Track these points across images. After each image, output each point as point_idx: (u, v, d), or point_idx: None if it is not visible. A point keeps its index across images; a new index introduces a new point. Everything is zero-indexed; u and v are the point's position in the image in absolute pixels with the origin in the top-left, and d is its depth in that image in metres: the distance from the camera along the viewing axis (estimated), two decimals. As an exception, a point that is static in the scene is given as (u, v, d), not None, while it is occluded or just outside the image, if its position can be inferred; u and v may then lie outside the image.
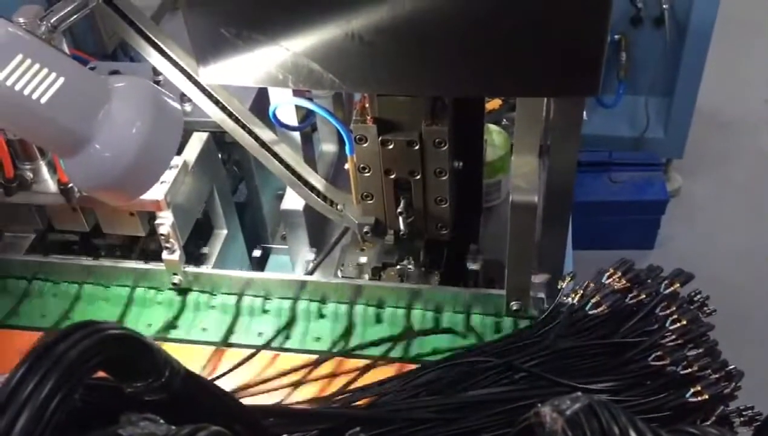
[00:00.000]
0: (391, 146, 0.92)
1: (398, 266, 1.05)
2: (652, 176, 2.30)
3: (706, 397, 0.81)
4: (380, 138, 0.91)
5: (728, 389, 0.83)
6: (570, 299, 0.92)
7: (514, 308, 0.97)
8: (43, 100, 0.68)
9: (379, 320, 1.01)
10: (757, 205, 2.53)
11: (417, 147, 0.91)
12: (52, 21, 0.76)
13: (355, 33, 0.73)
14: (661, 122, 2.40)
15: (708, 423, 0.81)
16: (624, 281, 0.90)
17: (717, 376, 0.83)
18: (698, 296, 0.90)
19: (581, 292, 0.91)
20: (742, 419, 0.83)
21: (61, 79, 0.69)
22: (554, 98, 0.85)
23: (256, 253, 1.24)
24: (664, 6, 2.17)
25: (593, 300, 0.89)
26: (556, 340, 0.89)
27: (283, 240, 1.21)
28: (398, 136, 0.91)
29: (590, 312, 0.89)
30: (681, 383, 0.83)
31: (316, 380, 0.93)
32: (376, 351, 0.97)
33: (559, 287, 0.95)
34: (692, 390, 0.81)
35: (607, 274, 0.91)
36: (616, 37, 2.26)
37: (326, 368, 0.95)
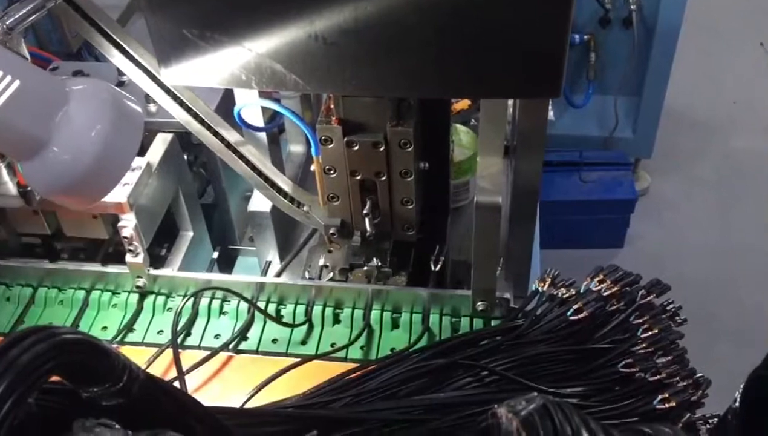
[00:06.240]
0: (356, 147, 0.92)
1: (365, 267, 1.05)
2: (621, 176, 2.33)
3: (674, 404, 0.82)
4: (345, 139, 0.91)
5: (695, 397, 0.84)
6: (552, 299, 0.92)
7: (480, 308, 0.98)
8: (-2, 104, 0.67)
9: (338, 320, 1.01)
10: (725, 204, 2.57)
11: (382, 148, 0.91)
12: (7, 23, 0.74)
13: (318, 34, 0.73)
14: (630, 122, 2.43)
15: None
16: (616, 288, 0.89)
17: (685, 383, 0.84)
18: (671, 305, 0.91)
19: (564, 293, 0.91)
20: (708, 426, 0.84)
21: (17, 83, 0.68)
22: (518, 99, 0.86)
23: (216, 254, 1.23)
24: (632, 7, 2.20)
25: (575, 306, 0.89)
26: (531, 344, 0.90)
27: (251, 242, 1.20)
28: (363, 137, 0.91)
29: (571, 318, 0.89)
30: (649, 390, 0.84)
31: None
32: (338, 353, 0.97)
33: (537, 287, 0.95)
34: (660, 397, 0.83)
35: (597, 279, 0.91)
36: (585, 37, 2.28)
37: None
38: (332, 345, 0.98)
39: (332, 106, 0.91)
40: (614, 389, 0.85)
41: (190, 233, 1.14)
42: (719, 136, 2.80)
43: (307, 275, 1.08)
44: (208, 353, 0.97)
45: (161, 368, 0.96)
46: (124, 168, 0.77)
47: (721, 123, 2.84)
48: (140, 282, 1.02)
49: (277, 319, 1.01)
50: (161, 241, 1.11)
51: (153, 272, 1.03)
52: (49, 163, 0.72)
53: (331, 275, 1.06)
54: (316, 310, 1.01)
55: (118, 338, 1.00)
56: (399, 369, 0.88)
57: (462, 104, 1.33)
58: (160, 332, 1.01)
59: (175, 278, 1.03)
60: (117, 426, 0.51)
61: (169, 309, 1.04)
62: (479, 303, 0.97)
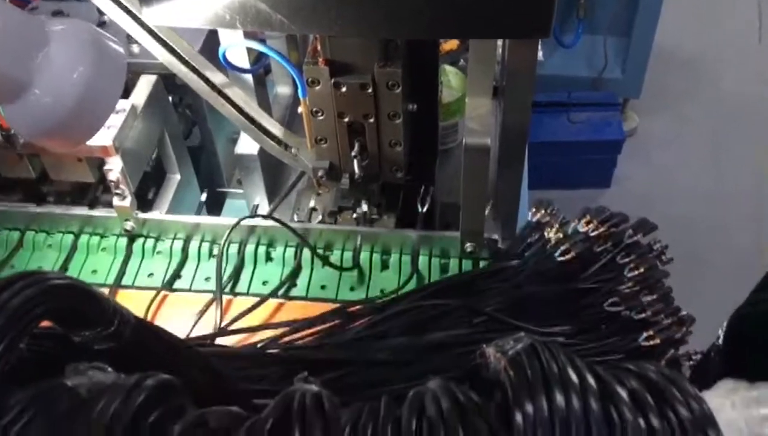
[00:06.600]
0: (343, 89, 0.91)
1: (354, 210, 1.05)
2: (609, 116, 2.32)
3: (658, 341, 0.84)
4: (333, 80, 0.90)
5: (679, 334, 0.86)
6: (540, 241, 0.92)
7: (469, 249, 0.98)
8: (-25, 45, 0.65)
9: (386, 266, 1.01)
10: (714, 144, 2.57)
11: (370, 90, 0.90)
12: (-17, -41, 0.72)
13: (304, -28, 0.71)
14: (619, 62, 2.41)
15: (657, 366, 0.84)
16: (603, 229, 0.90)
17: (669, 321, 0.86)
18: (657, 245, 0.92)
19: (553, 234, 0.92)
20: (691, 363, 0.86)
21: (-6, 23, 0.66)
22: (507, 39, 0.84)
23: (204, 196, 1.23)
24: (623, -57, 2.16)
25: (563, 247, 0.90)
26: (519, 285, 0.90)
27: (239, 184, 1.20)
28: (351, 78, 0.90)
29: (559, 259, 0.90)
30: (635, 328, 0.85)
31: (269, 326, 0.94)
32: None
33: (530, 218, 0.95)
34: (645, 335, 0.84)
35: (585, 220, 0.92)
36: (576, -25, 2.24)
37: (274, 310, 0.96)
38: (382, 291, 0.98)
39: (319, 46, 0.89)
40: (600, 328, 0.87)
41: (178, 176, 1.13)
42: (709, 76, 2.78)
43: (296, 217, 1.08)
44: (257, 299, 0.97)
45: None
46: (108, 110, 0.76)
47: (712, 63, 2.82)
48: (128, 225, 1.02)
49: (328, 262, 1.01)
50: (149, 183, 1.10)
51: (141, 215, 1.02)
52: (31, 106, 0.70)
53: (320, 217, 1.06)
54: (364, 255, 1.01)
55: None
56: (389, 311, 0.89)
57: (450, 45, 1.31)
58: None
59: (163, 221, 1.03)
60: (109, 369, 0.52)
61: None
62: (468, 244, 0.98)
